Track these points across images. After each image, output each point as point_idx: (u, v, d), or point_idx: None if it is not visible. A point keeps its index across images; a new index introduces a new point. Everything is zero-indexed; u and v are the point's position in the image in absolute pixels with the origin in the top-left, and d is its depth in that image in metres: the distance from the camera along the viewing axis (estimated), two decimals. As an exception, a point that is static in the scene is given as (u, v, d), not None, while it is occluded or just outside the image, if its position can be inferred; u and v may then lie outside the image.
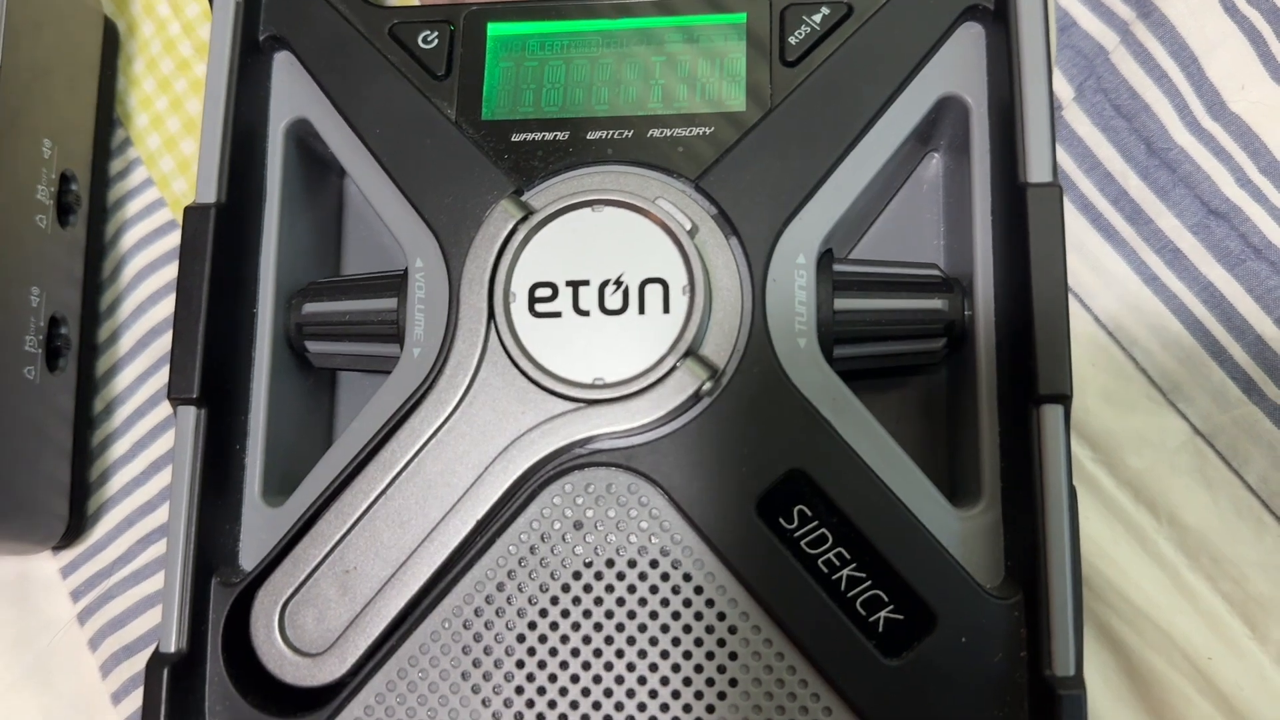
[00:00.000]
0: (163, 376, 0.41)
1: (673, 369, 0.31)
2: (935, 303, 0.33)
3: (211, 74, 0.34)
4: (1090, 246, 0.37)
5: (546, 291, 0.32)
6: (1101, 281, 0.37)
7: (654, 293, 0.32)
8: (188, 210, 0.33)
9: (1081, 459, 0.36)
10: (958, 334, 0.33)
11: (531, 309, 0.32)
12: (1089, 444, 0.36)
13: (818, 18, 0.34)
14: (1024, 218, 0.30)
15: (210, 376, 0.33)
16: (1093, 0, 0.38)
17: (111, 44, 0.43)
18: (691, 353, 0.31)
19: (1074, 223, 0.37)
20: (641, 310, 0.31)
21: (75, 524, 0.40)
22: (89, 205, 0.41)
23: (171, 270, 0.41)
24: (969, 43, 0.33)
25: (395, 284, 0.34)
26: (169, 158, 0.42)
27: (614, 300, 0.32)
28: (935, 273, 0.33)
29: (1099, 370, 0.37)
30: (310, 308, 0.35)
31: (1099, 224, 0.37)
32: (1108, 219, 0.37)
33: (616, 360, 0.31)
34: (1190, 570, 0.35)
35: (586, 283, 0.32)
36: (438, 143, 0.34)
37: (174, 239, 0.41)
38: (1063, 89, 0.38)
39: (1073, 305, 0.37)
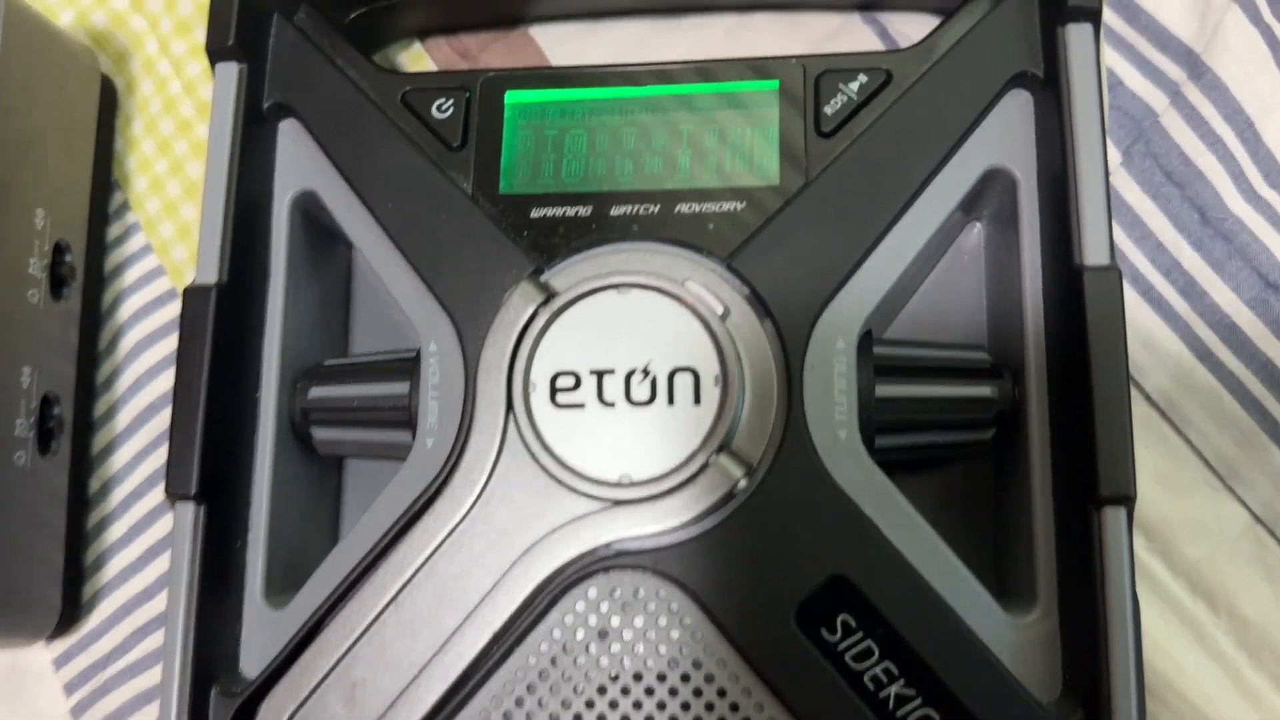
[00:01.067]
0: (162, 454, 0.39)
1: (705, 466, 0.29)
2: (984, 390, 0.31)
3: (213, 146, 0.32)
4: (1141, 320, 0.35)
5: (569, 381, 0.30)
6: (1154, 358, 0.35)
7: (684, 382, 0.30)
8: (187, 292, 0.31)
9: (1135, 548, 0.34)
10: (1008, 423, 0.31)
11: (553, 399, 0.30)
12: (1143, 531, 0.34)
13: (855, 86, 0.32)
14: (1081, 303, 0.28)
15: (210, 469, 0.31)
16: (1140, 59, 0.36)
17: (109, 103, 0.41)
18: (724, 447, 0.29)
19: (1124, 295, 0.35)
20: (671, 401, 0.29)
21: (69, 612, 0.38)
22: (85, 273, 0.39)
23: (171, 342, 0.39)
24: (1016, 112, 0.31)
25: (407, 367, 0.32)
26: (169, 223, 0.40)
27: (641, 391, 0.30)
28: (983, 356, 0.31)
29: (1152, 452, 0.35)
30: (316, 392, 0.33)
31: (1150, 296, 0.35)
32: (1159, 291, 0.35)
33: (644, 456, 0.29)
34: (1252, 668, 0.33)
35: (612, 371, 0.30)
36: (453, 218, 0.32)
37: (173, 309, 0.40)
38: (1110, 153, 0.36)
39: (1123, 382, 0.35)
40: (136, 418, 0.39)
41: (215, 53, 0.33)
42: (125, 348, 0.40)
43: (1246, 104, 0.35)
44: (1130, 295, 0.35)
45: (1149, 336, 0.35)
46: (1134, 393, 0.35)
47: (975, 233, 0.34)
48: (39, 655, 0.38)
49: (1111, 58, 0.36)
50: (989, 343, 0.34)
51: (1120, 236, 0.35)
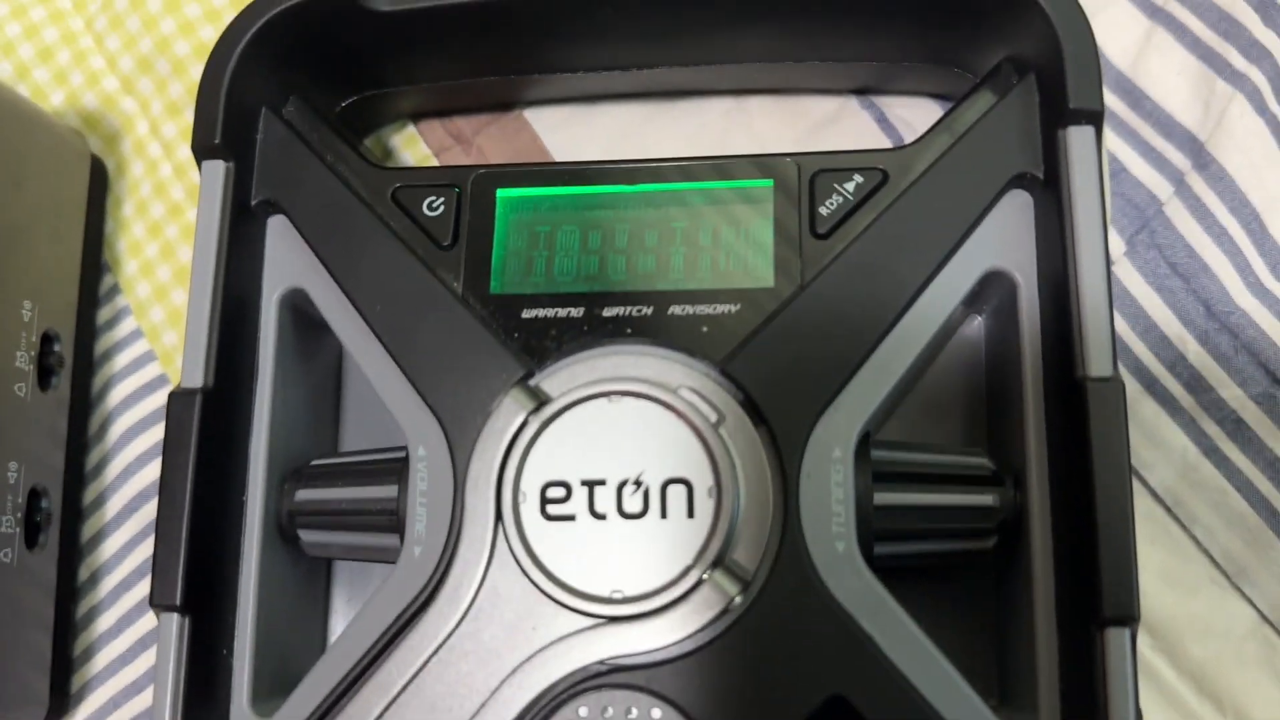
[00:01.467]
0: (151, 544, 0.38)
1: (699, 582, 0.28)
2: (986, 498, 0.30)
3: (199, 245, 0.32)
4: (1145, 415, 0.35)
5: (560, 492, 0.29)
6: (1159, 453, 0.34)
7: (677, 494, 0.29)
8: (172, 397, 0.31)
9: (1141, 647, 0.33)
10: (1010, 531, 0.30)
11: (543, 511, 0.29)
12: (1148, 630, 0.34)
13: (850, 186, 0.31)
14: (1084, 415, 0.28)
15: (195, 579, 0.30)
16: (1144, 146, 0.36)
17: (100, 183, 0.41)
18: (719, 562, 0.28)
19: (1127, 387, 0.34)
20: (663, 514, 0.29)
21: (57, 704, 0.37)
22: (74, 359, 0.38)
23: (160, 430, 0.38)
24: (1016, 213, 0.31)
25: (396, 469, 0.31)
26: (159, 308, 0.39)
27: (633, 503, 0.29)
28: (984, 462, 0.31)
29: (1157, 548, 0.34)
30: (304, 494, 0.32)
31: (1154, 390, 0.35)
32: (1164, 385, 0.35)
33: (637, 571, 0.29)
34: (1261, 773, 0.32)
35: (603, 482, 0.29)
36: (442, 320, 0.31)
37: (164, 395, 0.39)
38: (1113, 242, 0.35)
39: (1127, 478, 0.34)
40: (126, 505, 0.39)
41: (201, 151, 0.32)
42: (115, 434, 0.39)
43: (1252, 195, 0.34)
44: (1134, 389, 0.35)
45: (1154, 431, 0.34)
46: (1139, 488, 0.34)
47: (976, 325, 0.34)
48: (25, 751, 0.37)
49: (1115, 144, 0.36)
50: (989, 440, 0.33)
51: (1124, 329, 0.35)
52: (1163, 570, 0.34)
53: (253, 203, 0.33)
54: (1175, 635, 0.33)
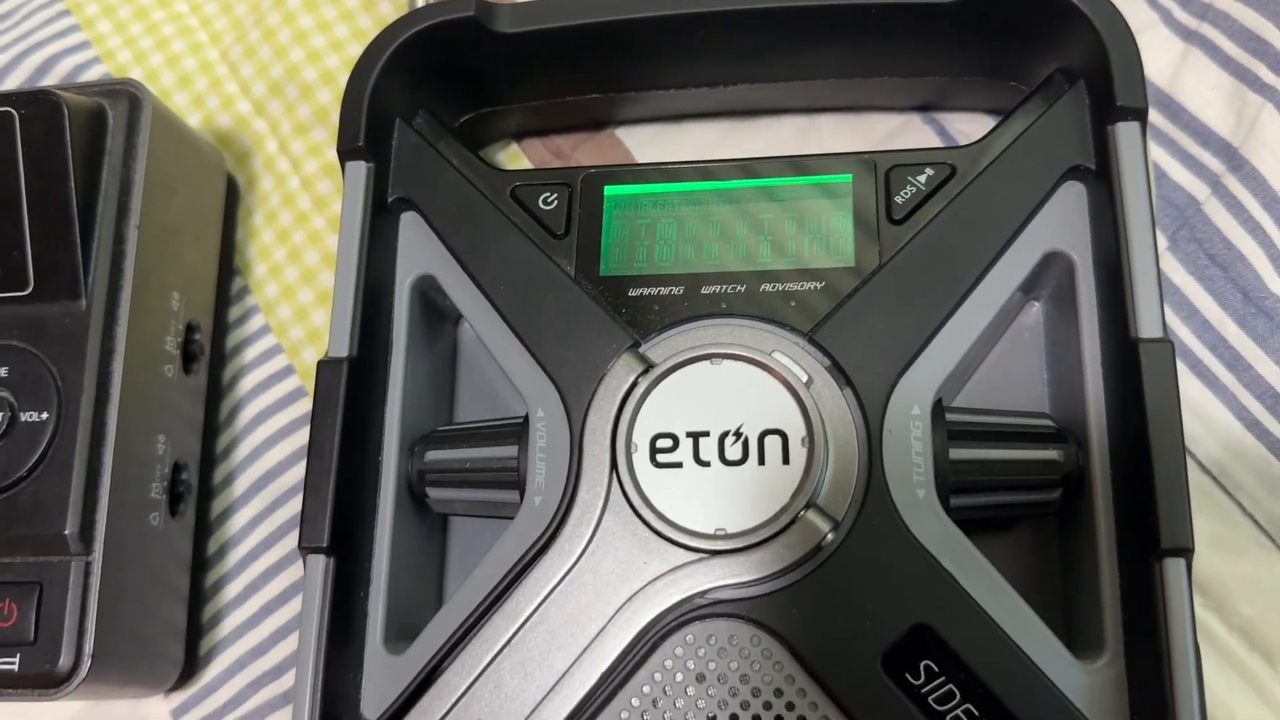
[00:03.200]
0: (274, 520, 0.42)
1: (794, 520, 0.32)
2: (1051, 453, 0.33)
3: (344, 235, 0.36)
4: (1192, 393, 0.38)
5: (667, 443, 0.33)
6: (1204, 427, 0.37)
7: (773, 444, 0.32)
8: (321, 364, 0.35)
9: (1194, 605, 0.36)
10: (1073, 485, 0.33)
11: (653, 460, 0.33)
12: (1200, 591, 0.36)
13: (923, 178, 0.35)
14: (1138, 373, 0.31)
15: (338, 526, 0.34)
16: (1182, 153, 0.39)
17: (232, 197, 0.45)
18: (812, 504, 0.32)
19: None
20: (761, 461, 0.32)
21: (188, 667, 0.40)
22: (210, 351, 0.42)
23: (285, 415, 0.43)
24: (1071, 201, 0.34)
25: (516, 432, 0.35)
26: (286, 305, 0.43)
27: (734, 451, 0.32)
28: (1049, 423, 0.34)
29: (1207, 517, 0.37)
30: (433, 455, 0.36)
31: (1198, 370, 0.38)
32: (1207, 365, 0.38)
33: (738, 511, 0.32)
34: (1311, 720, 0.35)
35: (706, 434, 0.33)
36: (558, 298, 0.35)
37: (289, 384, 0.43)
38: (1157, 239, 0.39)
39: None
40: (253, 485, 0.42)
41: (346, 153, 0.36)
42: (243, 420, 0.43)
43: (1283, 193, 0.38)
44: (1180, 369, 0.38)
45: (1200, 408, 0.38)
46: (1188, 461, 0.37)
47: (1034, 311, 0.37)
48: (159, 706, 0.41)
49: (1156, 152, 0.40)
50: (1053, 410, 0.36)
51: (1169, 315, 0.38)
52: (1212, 536, 0.37)
53: (389, 200, 0.37)
54: (1225, 595, 0.36)
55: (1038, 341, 0.37)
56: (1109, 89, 0.33)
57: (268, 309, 0.44)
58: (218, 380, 0.43)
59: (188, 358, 0.41)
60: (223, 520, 0.42)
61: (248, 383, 0.43)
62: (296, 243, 0.44)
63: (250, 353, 0.44)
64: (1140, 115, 0.33)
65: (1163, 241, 0.39)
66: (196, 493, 0.41)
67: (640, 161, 0.43)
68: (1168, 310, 0.38)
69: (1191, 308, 0.38)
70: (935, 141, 0.41)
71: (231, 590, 0.42)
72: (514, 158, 0.44)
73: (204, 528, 0.42)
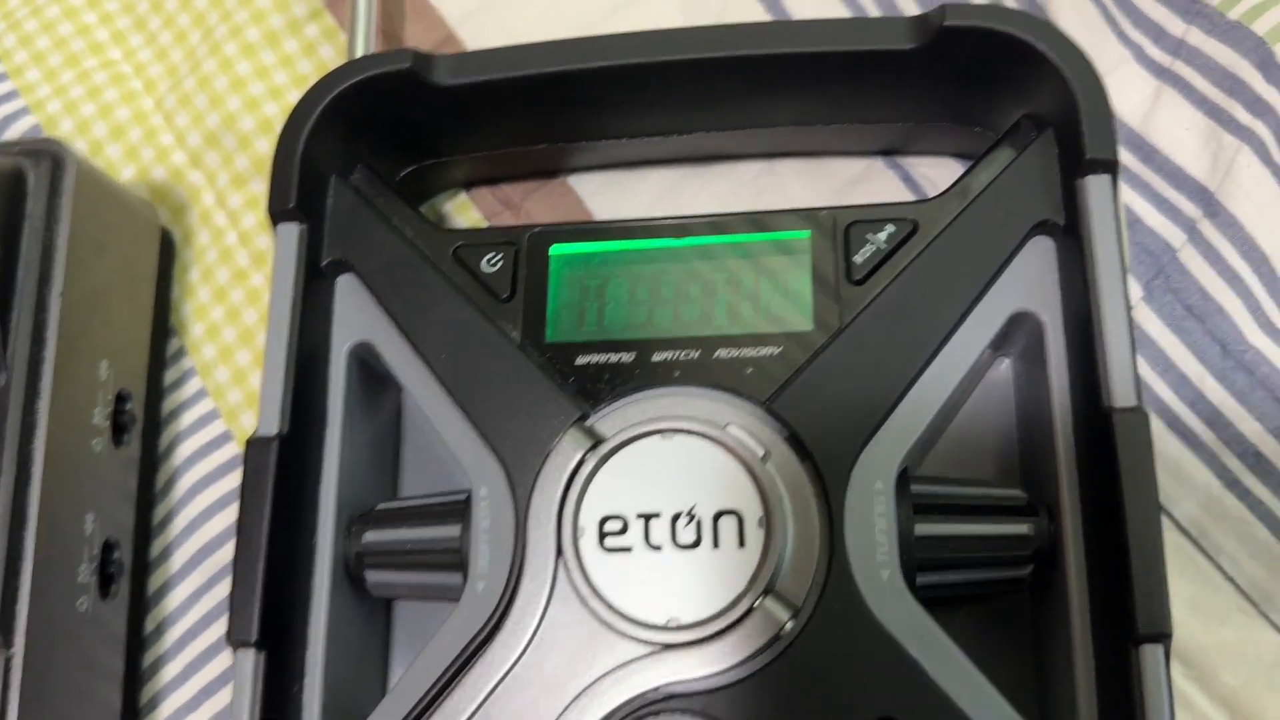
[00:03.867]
0: (214, 596, 0.40)
1: (751, 609, 0.30)
2: (1021, 528, 0.32)
3: (275, 302, 0.34)
4: (1169, 451, 0.36)
5: (616, 525, 0.31)
6: (1183, 487, 0.36)
7: (728, 525, 0.31)
8: (249, 443, 0.33)
9: (1174, 675, 0.34)
10: (1045, 560, 0.32)
11: (601, 544, 0.31)
12: (1180, 659, 0.35)
13: (883, 235, 0.33)
14: (1112, 445, 0.29)
15: (269, 617, 0.32)
16: (1156, 198, 0.38)
17: (167, 253, 0.43)
18: (770, 590, 0.30)
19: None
20: (716, 544, 0.30)
21: (124, 751, 0.38)
22: (143, 419, 0.40)
23: (225, 484, 0.41)
24: (1039, 258, 0.33)
25: (458, 510, 0.33)
26: (224, 368, 0.41)
27: (687, 534, 0.31)
28: (1019, 494, 0.32)
29: (1186, 580, 0.35)
30: (371, 536, 0.34)
31: (1176, 427, 0.36)
32: (1185, 422, 0.36)
33: (692, 599, 0.30)
34: (1298, 797, 0.33)
35: (658, 515, 0.31)
36: (503, 367, 0.33)
37: (227, 451, 0.41)
38: (1131, 288, 0.37)
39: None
40: (190, 559, 0.40)
41: (277, 214, 0.34)
42: (181, 490, 0.41)
43: (1261, 240, 0.36)
44: (1157, 426, 0.36)
45: (1177, 466, 0.36)
46: (1165, 521, 0.36)
47: (1004, 368, 0.36)
48: (94, 796, 0.39)
49: (1129, 195, 0.38)
50: (1021, 475, 0.35)
51: (1145, 369, 0.37)
52: (1192, 601, 0.35)
53: (323, 262, 0.35)
54: (1207, 663, 0.35)
55: (1009, 399, 0.36)
56: (1078, 140, 0.32)
57: (204, 371, 0.42)
58: (153, 448, 0.41)
59: (118, 429, 0.39)
60: (160, 596, 0.40)
61: (184, 450, 0.41)
62: (234, 301, 0.42)
63: (187, 418, 0.42)
64: (1111, 168, 0.31)
65: (1138, 291, 0.37)
66: (131, 569, 0.39)
67: (592, 209, 0.41)
68: (1143, 365, 0.37)
69: (1168, 362, 0.36)
70: (899, 187, 0.40)
71: (170, 671, 0.40)
72: (462, 208, 0.42)
73: (141, 604, 0.40)
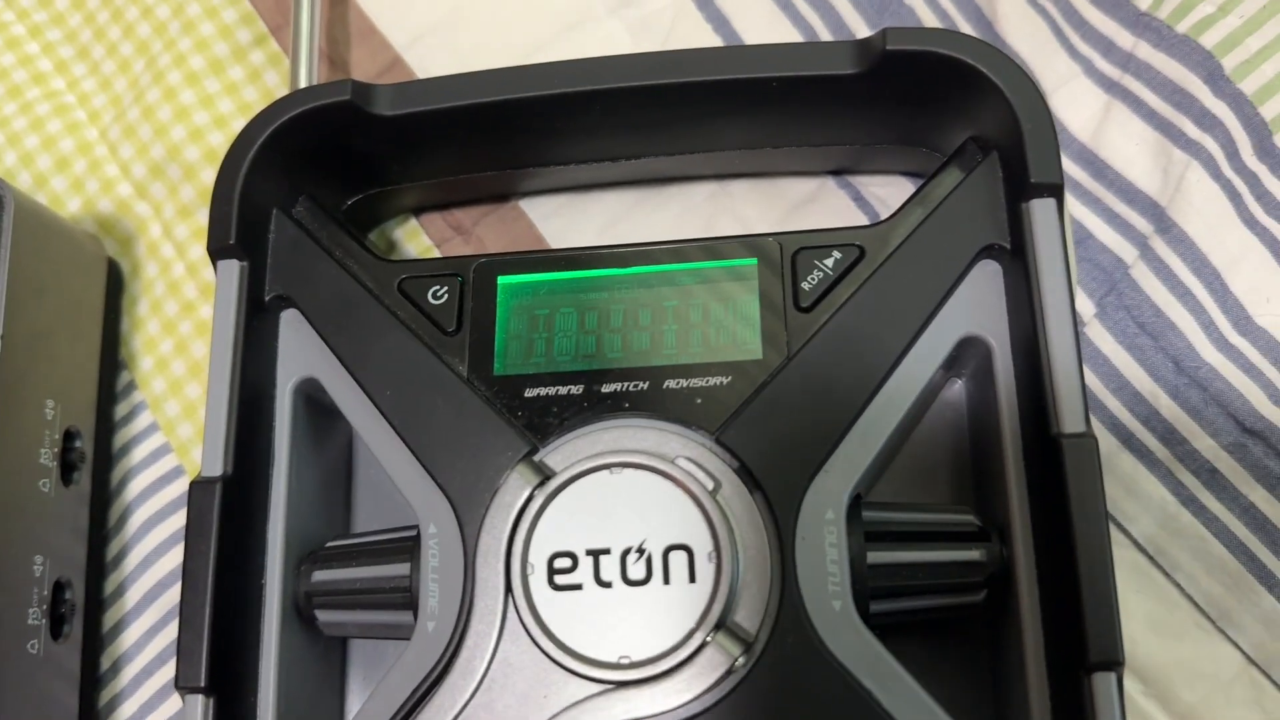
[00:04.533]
0: (170, 631, 0.39)
1: (703, 645, 0.30)
2: (973, 553, 0.31)
3: (216, 340, 0.33)
4: (1124, 468, 0.36)
5: (566, 562, 0.31)
6: (1139, 504, 0.36)
7: (678, 560, 0.30)
8: (193, 486, 0.32)
9: (1133, 694, 0.35)
10: (999, 585, 0.31)
11: (551, 581, 0.31)
12: (1139, 677, 0.35)
13: (830, 261, 0.33)
14: (1061, 471, 0.29)
15: (218, 661, 0.31)
16: (1108, 213, 0.38)
17: (115, 284, 0.42)
18: (721, 625, 0.30)
19: (1104, 442, 0.36)
20: (666, 580, 0.30)
21: (79, 794, 0.38)
22: (94, 455, 0.40)
23: (179, 519, 0.40)
24: (986, 281, 0.33)
25: (407, 547, 0.33)
26: (174, 401, 0.41)
27: (637, 570, 0.30)
28: (970, 519, 0.32)
29: (1144, 597, 0.35)
30: (320, 575, 0.33)
31: (1131, 445, 0.36)
32: (1140, 439, 0.36)
33: (643, 636, 0.30)
34: (1258, 814, 0.33)
35: (607, 551, 0.31)
36: (449, 402, 0.33)
37: (179, 486, 0.40)
38: (1083, 305, 0.37)
39: (1110, 529, 0.36)
40: (146, 595, 0.40)
41: (217, 252, 0.34)
42: (133, 526, 0.41)
43: (1212, 256, 0.36)
44: (1111, 444, 0.36)
45: (1133, 484, 0.36)
46: (1122, 539, 0.36)
47: (957, 388, 0.36)
48: (50, 840, 0.38)
49: (1080, 211, 0.38)
50: (975, 497, 0.35)
51: (1098, 387, 0.36)
52: (1149, 618, 0.35)
53: (266, 298, 0.35)
54: (1165, 680, 0.35)
55: (963, 420, 0.35)
56: (1023, 163, 0.31)
57: (155, 405, 0.41)
58: (105, 484, 0.41)
59: (67, 467, 0.38)
60: (116, 633, 0.40)
61: (136, 485, 0.41)
62: (183, 333, 0.41)
63: (138, 453, 0.41)
64: (1056, 191, 0.31)
65: (1090, 308, 0.37)
66: (84, 608, 0.39)
67: (545, 234, 0.41)
68: (1096, 382, 0.36)
69: (1121, 379, 0.36)
70: (849, 206, 0.39)
71: (128, 709, 0.39)
72: (412, 234, 0.41)
73: (95, 643, 0.39)
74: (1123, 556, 0.36)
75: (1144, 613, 0.35)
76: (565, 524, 0.31)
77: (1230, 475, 0.35)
